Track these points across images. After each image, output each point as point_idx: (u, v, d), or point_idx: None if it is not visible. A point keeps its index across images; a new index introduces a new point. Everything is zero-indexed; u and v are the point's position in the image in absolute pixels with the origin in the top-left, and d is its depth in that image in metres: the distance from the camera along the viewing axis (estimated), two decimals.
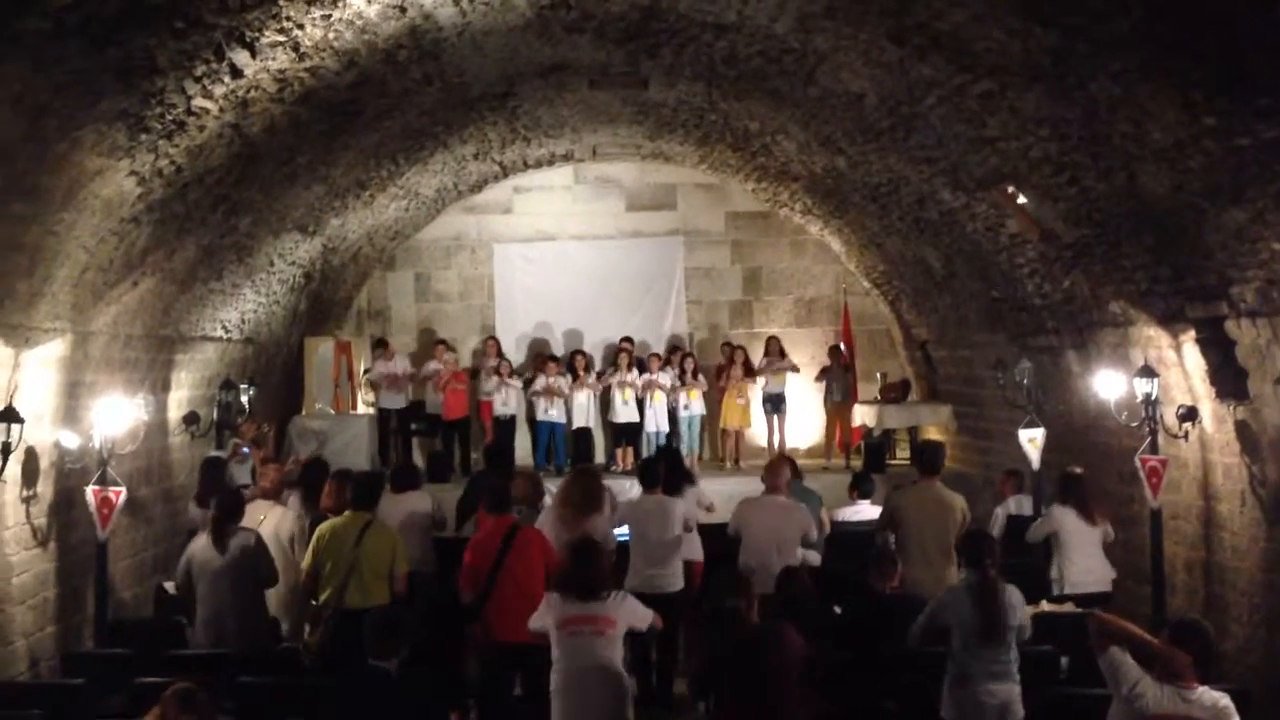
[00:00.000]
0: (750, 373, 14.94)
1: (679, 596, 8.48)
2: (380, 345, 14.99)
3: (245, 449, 9.65)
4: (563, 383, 14.52)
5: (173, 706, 4.33)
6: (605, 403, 14.95)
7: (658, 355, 15.04)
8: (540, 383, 14.53)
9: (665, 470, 9.02)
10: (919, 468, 8.25)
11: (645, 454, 14.33)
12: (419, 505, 9.03)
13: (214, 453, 10.55)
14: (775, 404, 14.93)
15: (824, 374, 15.30)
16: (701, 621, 8.95)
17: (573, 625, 6.15)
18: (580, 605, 6.17)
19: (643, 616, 6.40)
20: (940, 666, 6.35)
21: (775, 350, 15.00)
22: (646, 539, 8.37)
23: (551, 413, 14.49)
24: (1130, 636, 5.14)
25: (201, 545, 7.75)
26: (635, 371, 14.69)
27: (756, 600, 6.34)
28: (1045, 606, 8.13)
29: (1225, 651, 7.98)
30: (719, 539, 9.45)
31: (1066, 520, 8.69)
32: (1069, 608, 8.24)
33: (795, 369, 15.09)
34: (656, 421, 14.49)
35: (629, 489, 9.14)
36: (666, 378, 14.57)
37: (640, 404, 14.60)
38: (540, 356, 15.15)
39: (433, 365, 14.69)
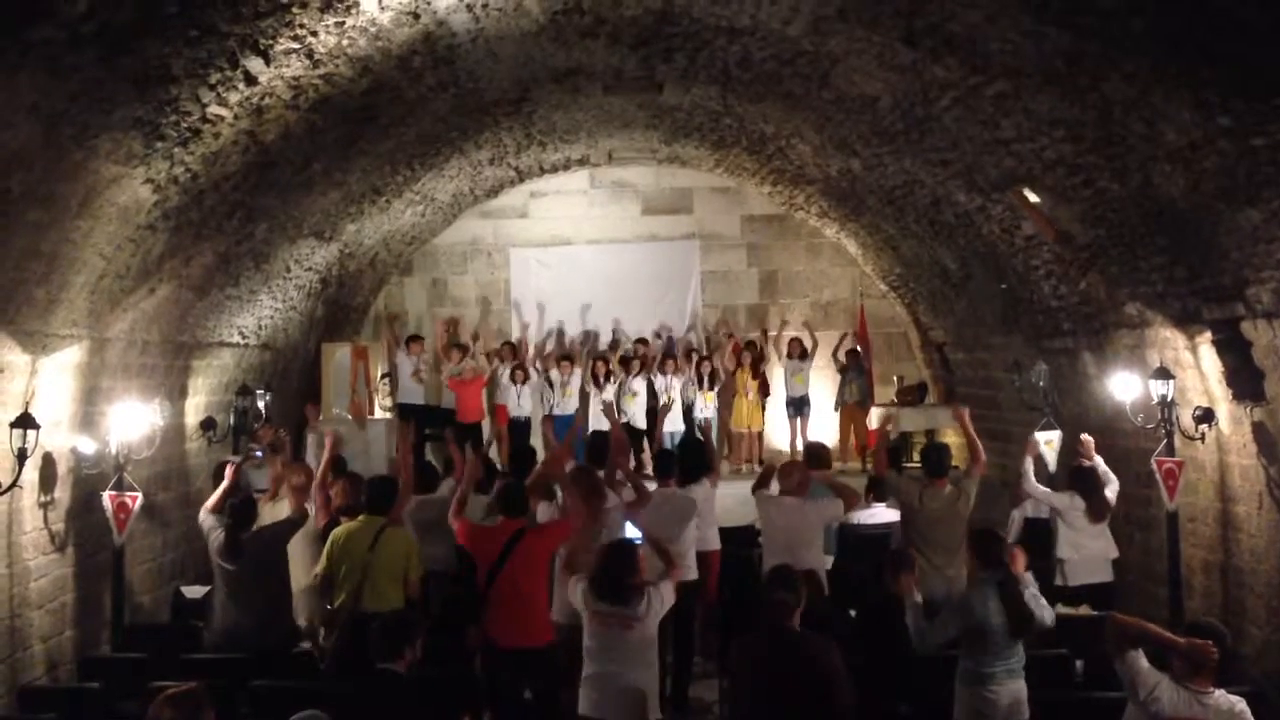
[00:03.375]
0: (758, 375, 14.94)
1: (693, 587, 8.46)
2: (415, 340, 14.89)
3: (259, 452, 9.66)
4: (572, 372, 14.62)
5: (164, 709, 4.37)
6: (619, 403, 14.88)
7: (673, 358, 15.00)
8: (556, 380, 14.53)
9: (682, 459, 9.00)
10: (926, 471, 8.23)
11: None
12: (440, 502, 8.99)
13: (228, 457, 10.58)
14: (798, 407, 14.91)
15: (842, 372, 15.27)
16: (720, 619, 8.94)
17: (605, 618, 6.16)
18: (609, 606, 6.16)
19: (668, 598, 6.34)
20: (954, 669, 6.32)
21: (796, 353, 14.97)
22: (659, 530, 8.32)
23: (565, 409, 14.49)
24: (1150, 635, 5.10)
25: (217, 549, 7.80)
26: (643, 375, 14.71)
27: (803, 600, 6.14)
28: (1060, 609, 8.08)
29: (1243, 654, 7.94)
30: (736, 540, 9.45)
31: (1073, 511, 8.68)
32: (1084, 610, 8.20)
33: (814, 341, 15.06)
34: (671, 421, 14.44)
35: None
36: (678, 383, 14.54)
37: (650, 411, 14.59)
38: (559, 355, 15.14)
39: (456, 371, 14.67)
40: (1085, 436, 9.30)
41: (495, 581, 7.00)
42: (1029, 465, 9.16)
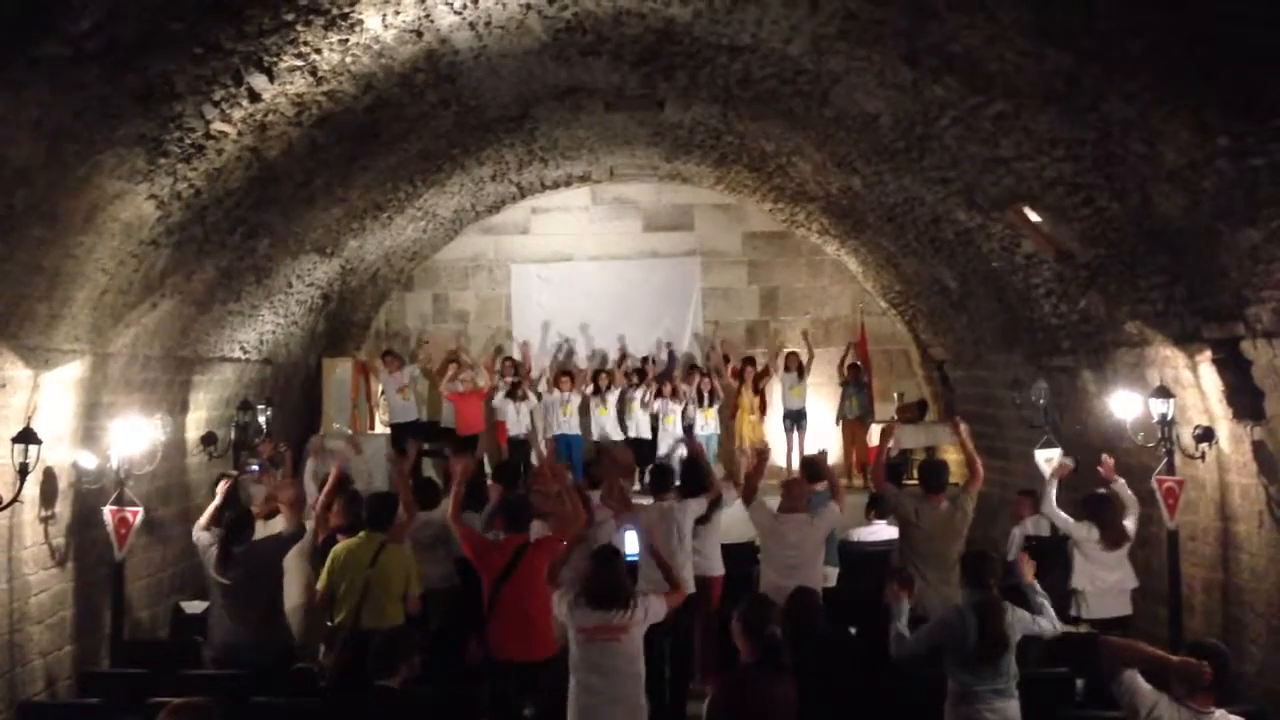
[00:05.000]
0: (759, 392, 14.93)
1: (690, 600, 8.45)
2: (389, 356, 14.84)
3: (254, 466, 9.61)
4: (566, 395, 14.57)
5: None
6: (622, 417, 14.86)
7: (671, 380, 14.98)
8: (557, 398, 14.54)
9: (683, 472, 9.08)
10: (923, 487, 8.24)
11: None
12: (440, 519, 8.97)
13: (227, 471, 10.56)
14: (795, 420, 14.90)
15: (843, 386, 15.27)
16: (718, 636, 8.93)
17: (591, 632, 6.15)
18: (600, 614, 6.16)
19: (656, 610, 6.35)
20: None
21: (794, 366, 14.98)
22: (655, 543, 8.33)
23: (568, 426, 14.47)
24: (1143, 656, 5.09)
25: (211, 562, 7.78)
26: (646, 389, 14.68)
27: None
28: (1059, 627, 8.06)
29: (1243, 674, 7.93)
30: (736, 557, 9.44)
31: (1089, 542, 8.64)
32: (1084, 629, 8.20)
33: (810, 354, 15.09)
34: (672, 432, 14.42)
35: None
36: (677, 407, 14.52)
37: (654, 424, 14.57)
38: (559, 372, 15.13)
39: (456, 385, 14.64)
40: (1106, 458, 9.11)
41: (499, 595, 7.01)
42: (1050, 487, 9.04)
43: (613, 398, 14.67)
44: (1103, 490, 8.92)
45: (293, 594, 8.18)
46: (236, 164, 8.13)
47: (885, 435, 8.97)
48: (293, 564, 8.23)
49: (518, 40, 8.51)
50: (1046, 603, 6.56)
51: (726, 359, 15.40)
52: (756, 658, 5.59)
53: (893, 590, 6.68)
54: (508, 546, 7.24)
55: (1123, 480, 8.93)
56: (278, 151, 8.39)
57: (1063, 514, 8.82)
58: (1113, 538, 8.64)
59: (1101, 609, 8.61)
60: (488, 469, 12.08)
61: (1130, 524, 8.75)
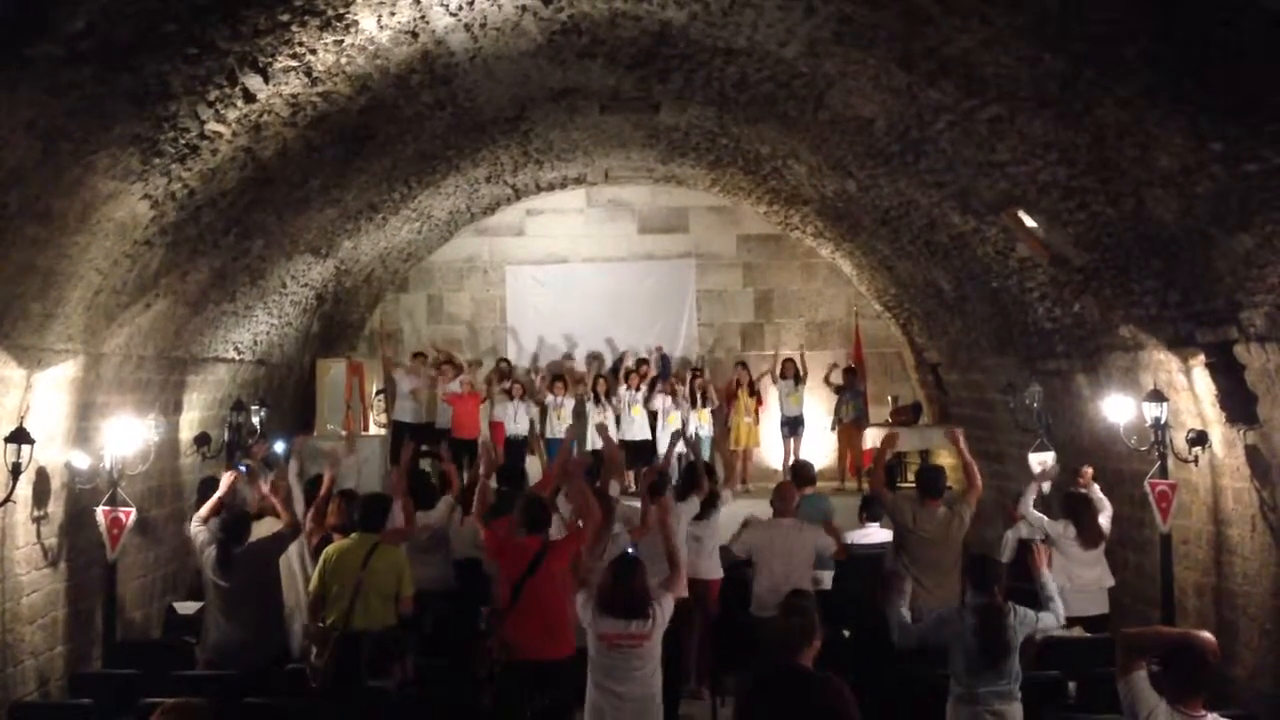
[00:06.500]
0: (755, 394, 14.93)
1: (684, 605, 8.44)
2: (418, 356, 14.90)
3: (242, 466, 9.54)
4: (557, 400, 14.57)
5: None
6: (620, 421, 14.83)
7: (669, 380, 14.98)
8: (550, 402, 14.54)
9: (682, 478, 9.09)
10: (920, 492, 8.26)
11: None
12: (438, 521, 8.98)
13: (213, 473, 10.51)
14: (793, 427, 14.87)
15: (838, 392, 15.27)
16: (720, 645, 8.92)
17: (611, 639, 6.14)
18: (621, 623, 6.14)
19: (669, 608, 6.32)
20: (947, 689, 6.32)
21: (790, 373, 14.98)
22: (651, 549, 8.32)
23: (562, 430, 14.46)
24: (1164, 638, 5.09)
25: (209, 564, 7.75)
26: (644, 390, 14.66)
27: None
28: (1054, 632, 8.08)
29: (1236, 677, 7.95)
30: (738, 560, 9.45)
31: (1066, 539, 8.71)
32: (1078, 632, 8.21)
33: (806, 370, 15.09)
34: (667, 442, 14.36)
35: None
36: (668, 401, 14.50)
37: (652, 423, 14.55)
38: (553, 377, 15.14)
39: (454, 387, 14.65)
40: (1086, 469, 9.28)
41: (521, 594, 6.98)
42: (1030, 490, 9.14)
43: (611, 404, 14.66)
44: (1082, 490, 9.04)
45: (285, 595, 8.14)
46: (231, 164, 8.12)
47: (887, 443, 8.98)
48: (283, 565, 8.18)
49: (513, 42, 8.51)
50: (1056, 597, 6.60)
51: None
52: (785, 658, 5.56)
53: (887, 584, 6.71)
54: (531, 546, 7.21)
55: (1096, 485, 9.17)
56: (272, 152, 8.39)
57: (1036, 512, 9.03)
58: (1090, 536, 8.79)
59: (1079, 606, 8.64)
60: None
61: (1105, 522, 8.92)
